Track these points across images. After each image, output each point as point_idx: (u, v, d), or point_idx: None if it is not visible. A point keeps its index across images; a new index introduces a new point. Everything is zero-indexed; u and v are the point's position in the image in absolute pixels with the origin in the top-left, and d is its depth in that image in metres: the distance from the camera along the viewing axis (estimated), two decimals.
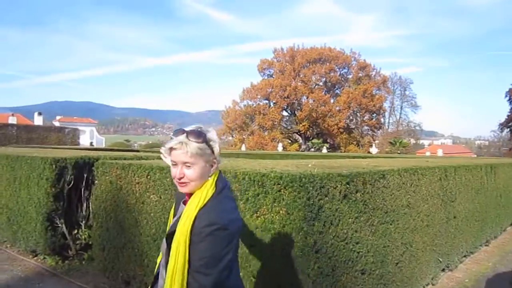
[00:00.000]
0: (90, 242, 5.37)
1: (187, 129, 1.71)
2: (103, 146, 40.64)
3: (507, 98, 47.14)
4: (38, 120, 41.21)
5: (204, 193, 1.70)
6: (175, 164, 1.71)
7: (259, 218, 2.91)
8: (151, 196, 3.65)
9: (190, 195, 1.74)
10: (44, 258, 5.49)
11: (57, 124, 45.77)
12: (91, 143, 45.80)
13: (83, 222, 5.43)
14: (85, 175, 5.36)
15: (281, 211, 2.79)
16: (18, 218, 5.62)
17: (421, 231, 4.36)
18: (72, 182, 5.26)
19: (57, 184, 5.15)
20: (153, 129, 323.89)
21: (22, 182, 5.58)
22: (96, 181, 4.53)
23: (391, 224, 3.72)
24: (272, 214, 2.83)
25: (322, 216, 2.84)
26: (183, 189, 1.73)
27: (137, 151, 19.25)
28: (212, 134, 1.74)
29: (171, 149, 1.69)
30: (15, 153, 6.03)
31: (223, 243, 1.62)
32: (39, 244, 5.26)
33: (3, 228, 6.03)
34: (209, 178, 1.74)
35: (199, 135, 1.68)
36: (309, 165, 3.81)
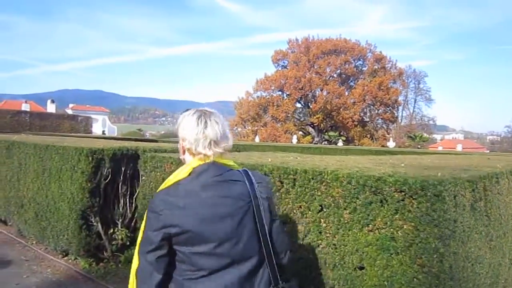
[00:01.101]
0: (127, 243, 4.83)
1: None
2: (115, 135, 40.32)
3: None
4: (51, 108, 40.85)
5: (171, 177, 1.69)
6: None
7: (371, 233, 2.31)
8: None
9: None
10: (76, 259, 4.97)
11: (69, 112, 45.46)
12: (103, 132, 45.46)
13: (120, 220, 4.88)
14: (122, 169, 4.80)
15: (405, 226, 2.19)
16: (48, 214, 5.08)
17: None
18: (110, 176, 4.70)
19: (93, 179, 4.59)
20: (163, 118, 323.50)
21: (52, 175, 5.04)
22: (143, 177, 3.95)
23: (503, 238, 3.10)
24: (392, 229, 2.23)
25: (456, 233, 2.23)
26: None
27: (156, 141, 18.72)
28: (180, 117, 1.71)
29: None
30: (44, 142, 5.47)
31: (149, 224, 1.59)
32: (72, 244, 4.72)
33: (30, 223, 5.50)
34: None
35: None
36: (402, 164, 3.20)
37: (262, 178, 1.72)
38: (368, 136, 52.05)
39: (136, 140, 16.00)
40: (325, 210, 2.54)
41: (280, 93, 50.79)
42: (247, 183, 1.62)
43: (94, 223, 4.70)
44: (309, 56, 51.03)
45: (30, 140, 5.87)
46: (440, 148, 33.88)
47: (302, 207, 2.65)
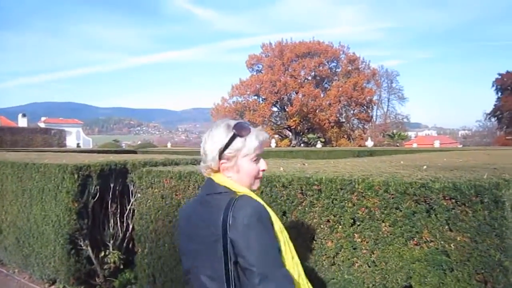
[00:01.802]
0: (121, 266, 4.44)
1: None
2: (91, 147, 39.27)
3: (494, 87, 47.24)
4: (22, 122, 39.52)
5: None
6: (256, 159, 1.61)
7: (418, 247, 2.04)
8: None
9: None
10: (65, 287, 4.54)
11: (42, 125, 44.05)
12: (78, 145, 44.17)
13: (111, 242, 4.48)
14: (111, 185, 4.42)
15: (459, 238, 1.93)
16: (30, 239, 4.64)
17: None
18: (98, 194, 4.31)
19: (81, 198, 4.20)
20: (138, 128, 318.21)
21: (33, 196, 4.60)
22: (139, 195, 3.58)
23: None
24: (443, 242, 1.97)
25: None
26: (258, 184, 1.67)
27: (135, 152, 18.13)
28: None
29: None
30: (22, 160, 5.01)
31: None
32: (59, 271, 4.30)
33: (11, 250, 5.03)
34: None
35: None
36: (424, 167, 2.96)
37: (239, 213, 1.42)
38: (345, 136, 52.48)
39: (116, 152, 15.43)
40: (358, 223, 2.26)
41: (256, 97, 50.67)
42: (222, 213, 1.43)
43: (84, 247, 4.30)
44: (283, 60, 51.18)
45: (6, 159, 5.39)
46: (414, 145, 34.26)
47: (330, 221, 2.36)
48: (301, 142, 49.67)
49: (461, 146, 39.17)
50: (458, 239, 1.93)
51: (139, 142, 51.69)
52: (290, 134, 53.01)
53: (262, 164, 1.62)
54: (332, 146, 40.06)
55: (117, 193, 4.48)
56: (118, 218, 4.53)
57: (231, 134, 1.52)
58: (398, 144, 30.21)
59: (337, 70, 54.48)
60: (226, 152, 1.53)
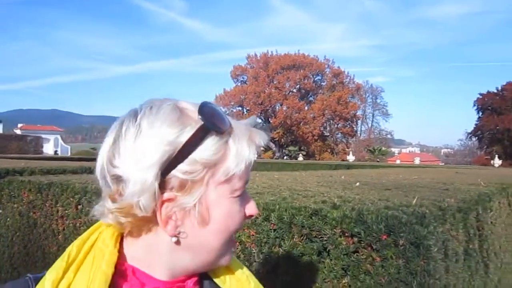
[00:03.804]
0: None
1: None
2: (68, 154, 38.23)
3: (475, 107, 47.53)
4: None
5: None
6: (242, 191, 0.67)
7: None
8: None
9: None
10: None
11: (18, 132, 42.72)
12: (55, 152, 42.93)
13: None
14: None
15: None
16: None
17: None
18: None
19: None
20: None
21: None
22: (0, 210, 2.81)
23: None
24: None
25: None
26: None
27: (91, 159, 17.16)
28: None
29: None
30: None
31: None
32: None
33: None
34: None
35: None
36: (356, 183, 2.28)
37: None
38: (329, 150, 52.22)
39: (80, 159, 14.56)
40: None
41: (239, 108, 50.31)
42: None
43: None
44: (268, 71, 51.00)
45: None
46: (398, 162, 34.03)
47: None
48: (284, 154, 49.31)
49: (442, 164, 39.14)
50: None
51: None
52: (274, 146, 52.60)
53: (252, 205, 0.70)
54: (315, 160, 39.68)
55: None
56: None
57: (193, 129, 0.62)
58: (378, 160, 29.79)
59: (322, 83, 54.46)
60: (180, 169, 0.61)
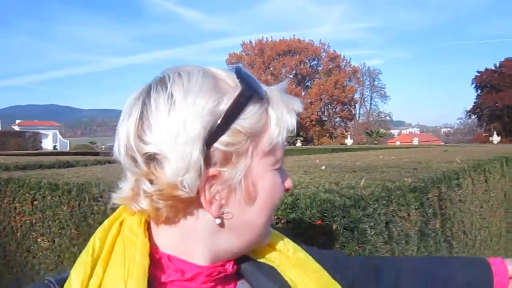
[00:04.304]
0: None
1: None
2: (67, 149, 38.23)
3: (474, 85, 47.38)
4: None
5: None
6: (280, 161, 0.63)
7: None
8: (39, 240, 1.95)
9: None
10: None
11: (16, 128, 42.71)
12: (54, 147, 42.96)
13: None
14: None
15: None
16: None
17: None
18: None
19: None
20: None
21: None
22: None
23: None
24: None
25: None
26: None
27: (97, 154, 17.11)
28: None
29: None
30: None
31: None
32: None
33: None
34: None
35: None
36: (322, 167, 2.24)
37: None
38: (327, 135, 52.22)
39: (76, 153, 14.54)
40: None
41: None
42: None
43: None
44: (263, 58, 50.83)
45: None
46: (398, 143, 34.04)
47: None
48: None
49: (443, 143, 39.15)
50: None
51: None
52: None
53: (288, 178, 0.68)
54: (314, 145, 39.66)
55: None
56: None
57: (233, 96, 0.57)
58: (376, 142, 29.75)
59: (318, 68, 54.27)
60: (222, 141, 0.56)
